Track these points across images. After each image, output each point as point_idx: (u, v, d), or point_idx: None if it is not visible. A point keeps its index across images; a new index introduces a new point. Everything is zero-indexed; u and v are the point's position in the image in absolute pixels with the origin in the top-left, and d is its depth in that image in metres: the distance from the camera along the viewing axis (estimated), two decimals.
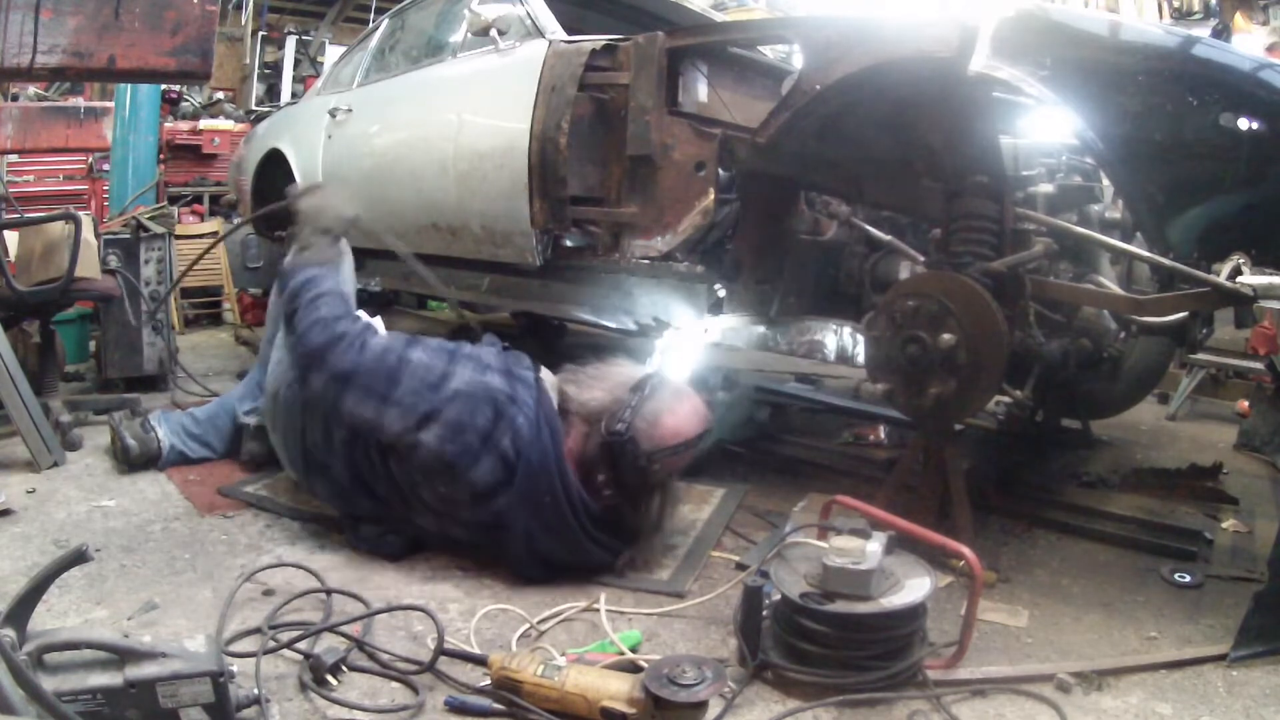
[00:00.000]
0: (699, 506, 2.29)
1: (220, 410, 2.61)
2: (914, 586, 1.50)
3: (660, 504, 1.86)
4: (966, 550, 1.51)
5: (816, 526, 1.68)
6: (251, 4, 8.93)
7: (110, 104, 5.04)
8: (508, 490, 1.76)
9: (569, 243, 2.65)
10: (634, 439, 1.77)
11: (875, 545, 1.51)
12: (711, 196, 2.21)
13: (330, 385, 1.84)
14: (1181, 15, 5.98)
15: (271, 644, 1.52)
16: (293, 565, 1.86)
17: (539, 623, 1.66)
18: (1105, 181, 2.28)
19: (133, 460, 2.47)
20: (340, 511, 2.03)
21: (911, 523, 1.62)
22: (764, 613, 1.52)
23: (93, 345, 3.98)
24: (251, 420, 2.50)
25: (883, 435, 2.90)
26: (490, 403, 1.78)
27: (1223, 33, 5.46)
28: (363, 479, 1.92)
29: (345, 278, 2.15)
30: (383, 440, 1.84)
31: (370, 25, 4.40)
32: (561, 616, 1.69)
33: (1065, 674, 1.49)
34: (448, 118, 2.99)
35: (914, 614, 1.47)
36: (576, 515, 1.79)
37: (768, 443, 2.81)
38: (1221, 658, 1.56)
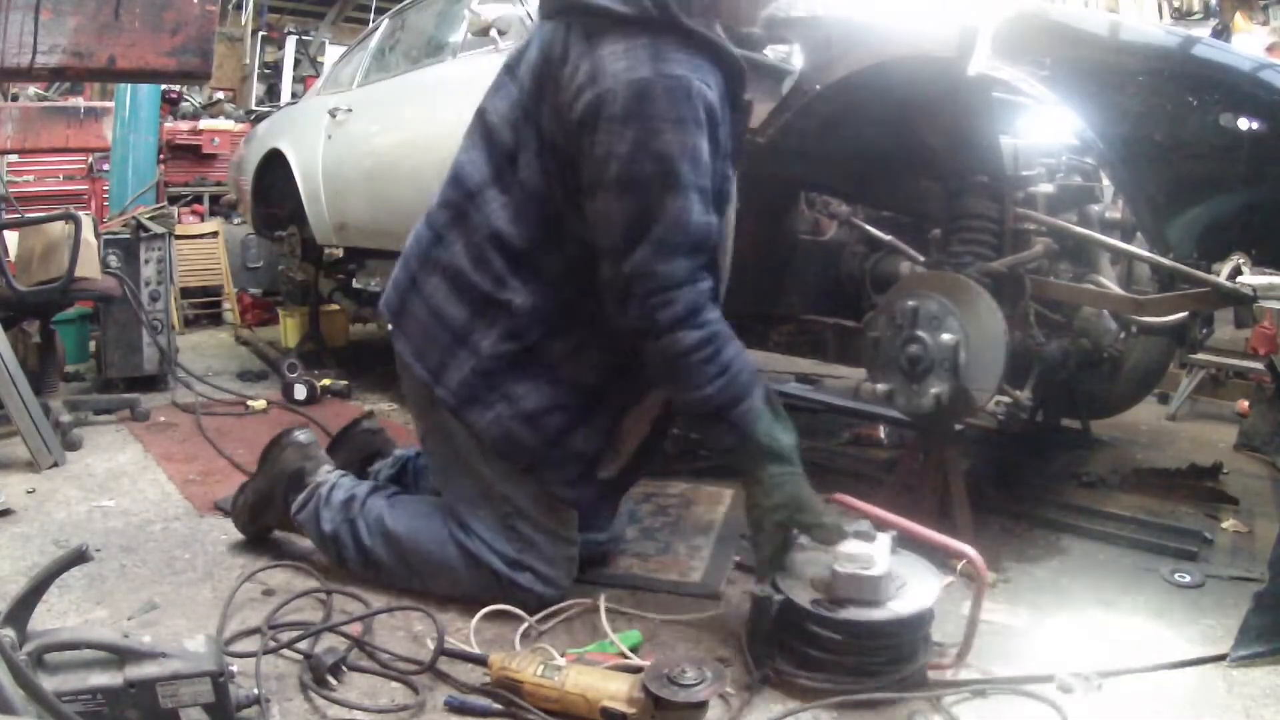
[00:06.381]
0: (712, 508, 2.30)
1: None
2: (920, 587, 1.48)
3: None
4: (972, 552, 1.49)
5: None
6: (251, 4, 8.94)
7: (110, 104, 5.04)
8: None
9: None
10: None
11: (882, 548, 1.48)
12: None
13: None
14: (1181, 15, 5.99)
15: (271, 644, 1.52)
16: (292, 565, 1.86)
17: (539, 621, 1.65)
18: (1105, 181, 2.28)
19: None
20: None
21: (912, 522, 1.61)
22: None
23: (93, 345, 3.98)
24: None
25: (883, 435, 2.90)
26: None
27: (1223, 33, 5.47)
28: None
29: None
30: None
31: (370, 25, 4.40)
32: (562, 616, 1.68)
33: (1066, 675, 1.48)
34: (448, 118, 2.99)
35: (924, 618, 1.46)
36: None
37: None
38: (1221, 658, 1.56)
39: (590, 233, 1.57)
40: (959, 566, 1.52)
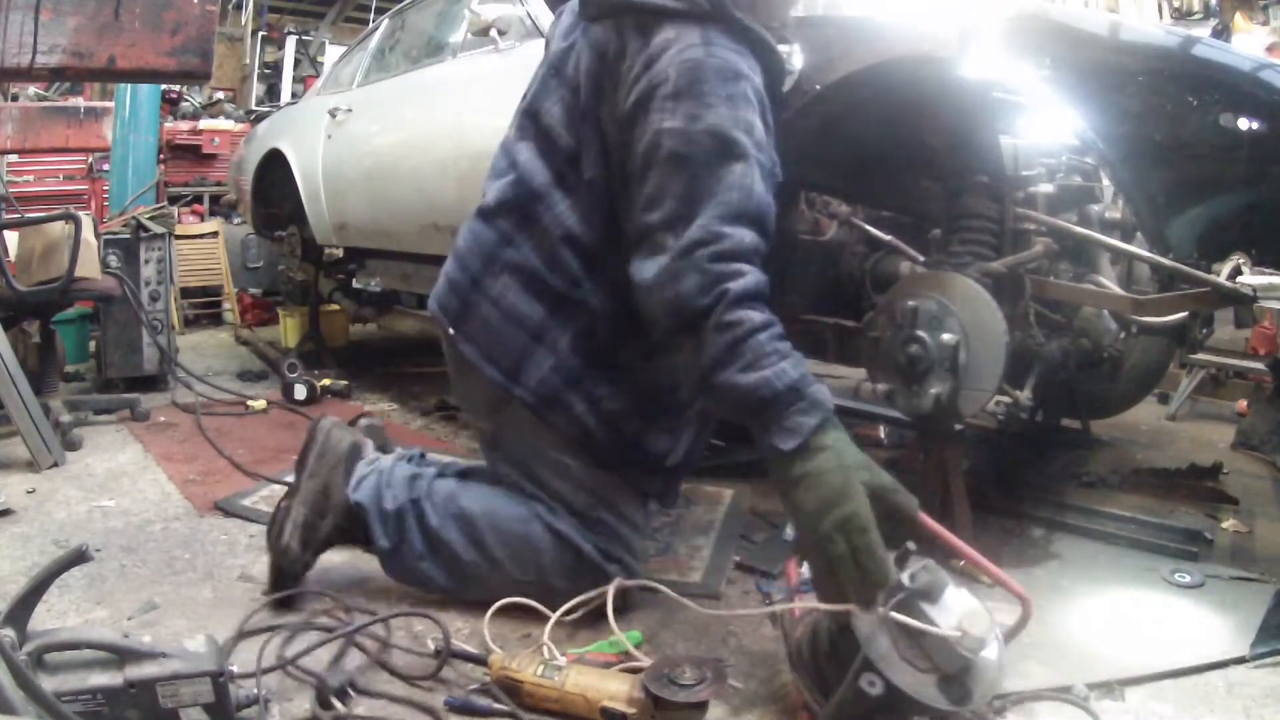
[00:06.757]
0: (712, 508, 2.29)
1: None
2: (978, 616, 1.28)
3: None
4: (1027, 598, 1.33)
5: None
6: (251, 4, 8.95)
7: (110, 104, 5.05)
8: None
9: None
10: None
11: (962, 598, 1.29)
12: None
13: None
14: (1181, 15, 6.00)
15: (279, 660, 1.50)
16: None
17: (561, 615, 1.63)
18: (1105, 181, 2.28)
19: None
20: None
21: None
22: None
23: (93, 345, 3.99)
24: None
25: (883, 435, 2.90)
26: None
27: (1223, 33, 5.48)
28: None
29: None
30: None
31: (370, 25, 4.40)
32: (565, 620, 1.67)
33: (1083, 685, 1.44)
34: (448, 118, 2.99)
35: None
36: None
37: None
38: (1234, 661, 1.54)
39: (638, 218, 1.49)
40: (960, 566, 1.52)
